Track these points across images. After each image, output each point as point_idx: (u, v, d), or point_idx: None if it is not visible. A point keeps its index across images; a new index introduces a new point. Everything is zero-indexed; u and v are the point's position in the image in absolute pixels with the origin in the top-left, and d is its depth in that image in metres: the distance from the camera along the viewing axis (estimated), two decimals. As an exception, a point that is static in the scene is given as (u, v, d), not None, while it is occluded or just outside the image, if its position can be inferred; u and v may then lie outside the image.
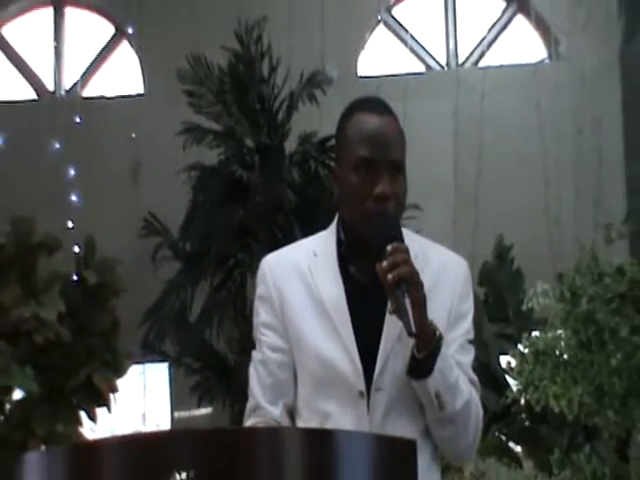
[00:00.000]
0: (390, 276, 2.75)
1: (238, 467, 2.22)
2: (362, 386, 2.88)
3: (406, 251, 2.81)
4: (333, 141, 8.42)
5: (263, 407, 2.94)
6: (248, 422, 2.96)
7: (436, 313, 2.86)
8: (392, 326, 2.85)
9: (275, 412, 2.92)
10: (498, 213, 9.73)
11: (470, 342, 3.00)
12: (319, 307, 2.93)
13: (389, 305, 2.79)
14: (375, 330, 2.90)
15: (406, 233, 3.00)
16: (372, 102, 3.04)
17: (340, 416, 2.86)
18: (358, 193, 2.92)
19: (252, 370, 2.99)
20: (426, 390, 2.82)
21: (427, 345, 2.80)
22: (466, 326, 2.99)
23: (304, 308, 2.94)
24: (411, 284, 2.76)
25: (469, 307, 3.02)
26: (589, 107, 10.42)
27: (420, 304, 2.77)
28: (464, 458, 2.96)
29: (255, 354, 2.99)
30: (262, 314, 2.98)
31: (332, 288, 2.94)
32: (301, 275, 2.97)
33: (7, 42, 11.80)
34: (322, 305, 2.93)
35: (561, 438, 6.43)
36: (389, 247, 2.78)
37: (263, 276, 3.01)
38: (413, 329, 2.72)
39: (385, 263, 2.76)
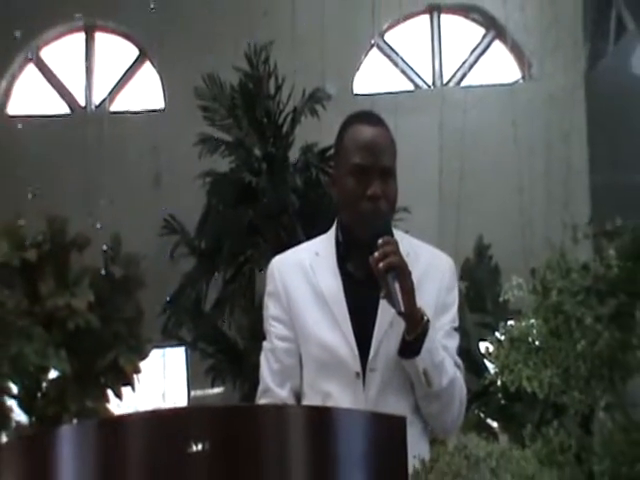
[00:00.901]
0: (381, 265, 2.77)
1: (248, 440, 2.21)
2: (358, 368, 2.88)
3: (395, 244, 2.83)
4: (332, 151, 8.42)
5: (272, 389, 2.95)
6: (259, 403, 2.97)
7: (425, 303, 2.87)
8: (384, 315, 2.86)
9: (283, 394, 2.93)
10: (478, 216, 9.72)
11: (455, 329, 3.00)
12: (320, 300, 2.94)
13: (382, 291, 2.80)
14: (369, 319, 2.90)
15: (397, 234, 3.01)
16: (366, 115, 3.06)
17: (339, 395, 2.87)
18: (353, 195, 2.93)
19: (263, 357, 3.00)
20: (415, 368, 2.82)
21: (416, 328, 2.81)
22: (451, 315, 3.00)
23: (307, 302, 2.95)
24: (400, 272, 2.78)
25: (454, 298, 3.03)
26: (558, 123, 10.44)
27: (409, 289, 2.78)
28: (449, 432, 2.97)
29: (265, 344, 3.00)
30: (271, 308, 2.99)
31: (331, 283, 2.95)
32: (304, 273, 2.98)
33: (44, 63, 11.81)
34: (323, 298, 2.94)
35: (533, 414, 6.42)
36: (380, 240, 2.81)
37: (272, 275, 3.02)
38: (402, 308, 2.75)
39: (377, 254, 2.78)
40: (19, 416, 5.75)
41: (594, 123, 10.89)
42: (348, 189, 2.94)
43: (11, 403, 5.66)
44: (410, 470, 2.35)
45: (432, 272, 2.98)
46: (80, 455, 2.24)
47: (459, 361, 2.96)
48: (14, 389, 5.66)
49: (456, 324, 3.01)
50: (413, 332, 2.81)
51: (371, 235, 2.84)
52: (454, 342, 2.97)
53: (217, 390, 9.76)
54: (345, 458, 2.25)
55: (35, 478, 2.27)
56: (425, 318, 2.82)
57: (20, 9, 10.92)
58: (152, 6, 10.74)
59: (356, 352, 2.89)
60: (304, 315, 2.95)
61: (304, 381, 2.95)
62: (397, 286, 2.76)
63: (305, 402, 2.94)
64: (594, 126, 10.87)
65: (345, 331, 2.90)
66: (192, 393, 10.60)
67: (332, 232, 3.04)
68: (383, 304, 2.84)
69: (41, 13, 11.25)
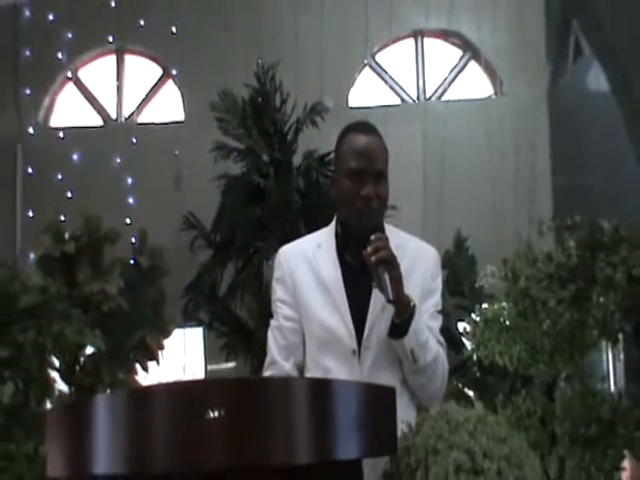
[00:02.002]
0: (373, 258, 2.76)
1: (258, 407, 2.22)
2: (354, 346, 2.87)
3: (386, 239, 2.82)
4: (331, 156, 8.42)
5: (278, 362, 2.94)
6: (266, 373, 2.96)
7: (412, 289, 2.87)
8: (377, 300, 2.85)
9: (287, 366, 2.92)
10: (456, 213, 9.72)
11: (439, 312, 3.00)
12: (322, 286, 2.93)
13: (373, 281, 2.80)
14: (364, 303, 2.89)
15: (389, 228, 3.02)
16: (361, 125, 3.03)
17: (338, 369, 2.86)
18: (349, 195, 2.91)
19: (270, 334, 2.99)
20: (403, 347, 2.82)
21: (403, 312, 2.80)
22: (436, 299, 2.99)
23: (310, 287, 2.94)
24: (389, 264, 2.77)
25: (438, 284, 3.01)
26: (525, 132, 10.44)
27: (397, 280, 2.77)
28: (433, 401, 2.95)
29: (273, 322, 2.99)
30: (278, 292, 2.98)
31: (331, 271, 2.94)
32: (308, 261, 2.97)
33: (81, 81, 11.79)
34: (324, 284, 2.93)
35: (504, 385, 6.42)
36: (372, 236, 2.80)
37: (279, 263, 3.01)
38: (390, 297, 2.75)
39: (369, 248, 2.77)
40: (61, 386, 5.74)
41: (556, 132, 10.89)
42: (345, 190, 2.93)
43: (54, 375, 5.64)
44: (399, 433, 2.36)
45: (419, 261, 2.97)
46: (113, 420, 2.25)
47: (442, 339, 2.95)
48: (56, 363, 5.64)
49: (439, 307, 3.00)
50: (401, 316, 2.80)
51: (364, 230, 2.84)
52: (437, 323, 2.97)
53: (230, 364, 9.74)
54: (343, 423, 2.25)
55: (74, 439, 2.28)
56: (412, 303, 2.82)
57: (61, 36, 10.91)
58: (174, 32, 10.73)
59: (353, 332, 2.88)
60: (307, 298, 2.94)
61: (307, 356, 2.94)
62: (387, 277, 2.75)
63: (307, 375, 2.93)
64: (556, 135, 10.88)
65: (343, 313, 2.89)
66: (209, 367, 10.59)
67: (332, 226, 3.03)
68: (376, 291, 2.84)
69: (79, 39, 11.19)
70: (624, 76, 6.77)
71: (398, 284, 2.77)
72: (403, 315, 2.80)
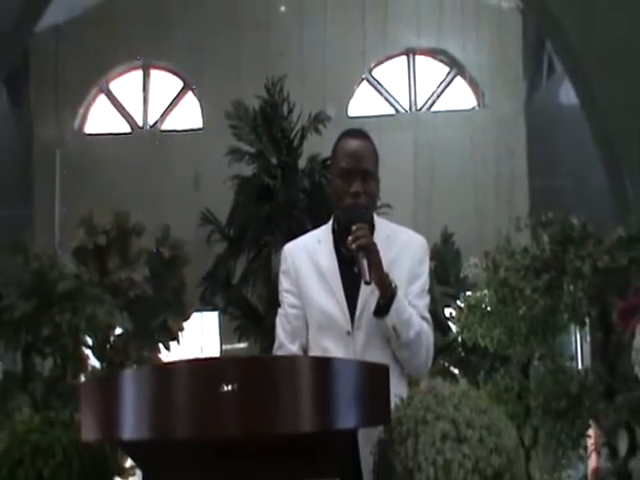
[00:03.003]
0: (354, 245, 2.75)
1: (267, 382, 2.22)
2: (349, 327, 2.86)
3: (365, 228, 2.80)
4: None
5: (285, 345, 2.93)
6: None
7: (401, 273, 2.85)
8: (367, 287, 2.84)
9: (293, 348, 2.91)
10: (444, 211, 9.70)
11: (425, 292, 2.97)
12: (320, 276, 2.92)
13: (355, 266, 2.78)
14: (357, 289, 2.88)
15: (382, 221, 3.00)
16: (353, 131, 3.01)
17: (335, 349, 2.84)
18: (340, 192, 2.90)
19: (277, 320, 2.98)
20: (386, 325, 2.80)
21: (386, 294, 2.78)
22: (422, 281, 2.94)
23: (311, 277, 2.93)
24: (368, 250, 2.75)
25: (424, 269, 2.98)
26: (504, 140, 10.43)
27: (376, 264, 2.75)
28: (420, 373, 2.93)
29: (280, 310, 2.98)
30: (284, 283, 2.97)
31: (329, 262, 2.93)
32: (309, 255, 2.96)
33: (112, 93, 11.78)
34: (322, 274, 2.92)
35: (485, 364, 6.40)
36: (354, 227, 2.77)
37: (284, 257, 3.00)
38: (367, 279, 2.72)
39: (350, 237, 2.76)
40: (93, 362, 5.74)
41: (532, 140, 10.88)
42: (337, 188, 2.93)
43: (87, 352, 5.64)
44: (392, 406, 2.35)
45: (407, 250, 2.95)
46: (139, 391, 2.26)
47: (428, 316, 2.92)
48: (89, 342, 5.64)
49: (426, 287, 2.96)
50: (383, 297, 2.79)
51: (350, 222, 2.82)
52: (423, 302, 2.93)
53: (242, 345, 9.74)
54: (342, 396, 2.25)
55: (105, 408, 2.28)
56: (393, 285, 2.80)
57: (94, 53, 10.93)
58: (193, 50, 10.73)
59: (347, 315, 2.87)
60: (309, 288, 2.92)
61: (309, 339, 2.94)
62: (365, 262, 2.74)
63: (310, 354, 2.91)
64: (532, 143, 10.87)
65: (339, 299, 2.88)
66: (223, 347, 10.58)
67: (330, 223, 3.03)
68: None
69: (110, 55, 11.22)
70: (591, 92, 6.77)
71: (377, 268, 2.76)
72: (385, 296, 2.78)
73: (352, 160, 2.90)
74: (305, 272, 2.94)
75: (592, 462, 5.22)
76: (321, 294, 2.90)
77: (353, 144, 2.93)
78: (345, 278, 2.90)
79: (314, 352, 2.88)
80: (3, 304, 4.93)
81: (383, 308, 2.79)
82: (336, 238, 2.96)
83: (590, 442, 4.72)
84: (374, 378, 2.29)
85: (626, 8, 6.40)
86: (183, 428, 2.21)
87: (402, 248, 2.93)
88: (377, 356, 2.73)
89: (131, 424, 2.24)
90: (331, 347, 2.85)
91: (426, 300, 2.95)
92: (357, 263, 2.75)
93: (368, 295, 2.85)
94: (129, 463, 4.47)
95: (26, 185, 10.96)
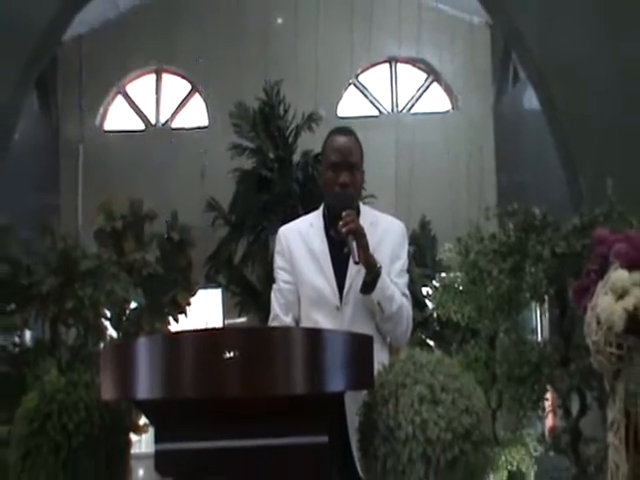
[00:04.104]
0: (344, 229, 2.74)
1: (264, 350, 2.22)
2: (337, 302, 2.84)
3: (353, 214, 2.79)
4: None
5: (280, 316, 2.91)
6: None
7: (383, 254, 2.84)
8: (354, 265, 2.83)
9: (287, 320, 2.90)
10: (422, 202, 9.65)
11: (404, 271, 2.96)
12: (312, 256, 2.90)
13: (345, 248, 2.77)
14: (345, 269, 2.86)
15: (366, 208, 2.99)
16: (340, 129, 3.00)
17: (325, 322, 2.83)
18: (330, 182, 2.89)
19: (273, 295, 2.96)
20: (371, 300, 2.79)
21: (371, 272, 2.77)
22: (401, 262, 2.93)
23: (303, 257, 2.91)
24: (357, 234, 2.74)
25: (404, 250, 2.96)
26: (475, 139, 10.43)
27: (363, 246, 2.74)
28: (400, 342, 2.92)
29: (275, 286, 2.96)
30: (279, 262, 2.95)
31: (320, 244, 2.91)
32: (302, 238, 2.94)
33: (128, 94, 11.72)
34: (314, 255, 2.90)
35: (457, 336, 6.41)
36: (344, 213, 2.76)
37: (279, 238, 2.98)
38: (357, 259, 2.71)
39: (340, 222, 2.75)
40: (111, 332, 5.73)
41: (499, 140, 10.88)
42: (327, 178, 2.92)
43: (106, 323, 5.63)
44: (375, 372, 2.35)
45: (389, 233, 2.94)
46: (151, 356, 2.25)
47: (407, 292, 2.91)
48: (108, 314, 5.63)
49: (405, 267, 2.95)
50: (369, 275, 2.78)
51: (339, 209, 2.81)
52: (403, 280, 2.92)
53: (242, 319, 9.72)
54: (330, 362, 2.24)
55: (122, 371, 2.27)
56: (378, 265, 2.79)
57: (112, 59, 10.87)
58: (200, 56, 10.68)
59: (336, 292, 2.85)
60: (301, 266, 2.90)
61: (301, 313, 2.92)
62: (354, 244, 2.73)
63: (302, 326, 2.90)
64: (499, 142, 10.87)
65: (328, 277, 2.87)
66: (225, 321, 10.56)
67: (321, 209, 3.01)
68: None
69: (126, 61, 11.16)
70: (550, 98, 6.75)
71: (364, 249, 2.75)
72: (371, 274, 2.77)
73: (340, 154, 2.89)
74: (298, 253, 2.91)
75: (549, 421, 5.25)
76: (313, 273, 2.88)
77: (341, 140, 2.92)
78: (334, 259, 2.88)
79: (306, 324, 2.86)
80: (33, 280, 4.90)
81: (369, 285, 2.78)
82: (326, 223, 2.94)
83: (547, 404, 4.73)
84: (359, 347, 2.29)
85: (582, 25, 6.40)
86: (190, 389, 2.21)
87: (384, 232, 2.92)
88: (363, 329, 2.71)
89: (145, 385, 2.23)
90: (321, 320, 2.83)
91: (405, 278, 2.94)
92: (347, 245, 2.74)
93: (355, 274, 2.84)
94: (142, 421, 4.48)
95: (53, 176, 10.93)
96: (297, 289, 2.90)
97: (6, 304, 4.83)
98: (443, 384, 2.30)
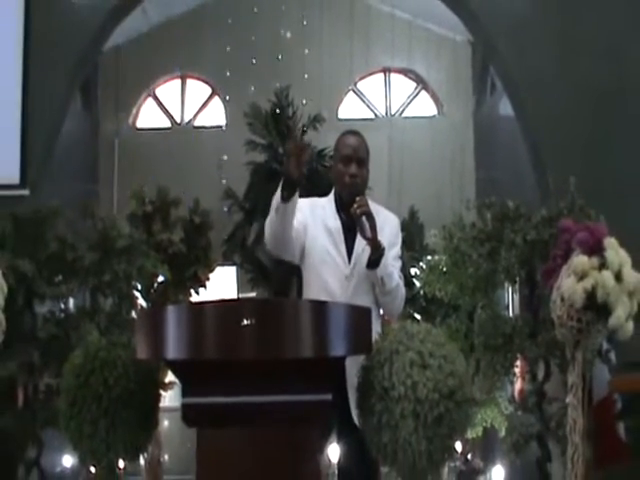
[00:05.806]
0: (358, 211, 2.74)
1: (276, 318, 2.21)
2: (348, 272, 2.84)
3: (365, 200, 2.79)
4: (326, 151, 8.28)
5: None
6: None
7: (384, 240, 2.83)
8: (359, 244, 2.82)
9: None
10: (411, 194, 9.60)
11: (398, 257, 2.96)
12: (327, 231, 2.89)
13: (358, 228, 2.77)
14: (352, 247, 2.87)
15: (369, 201, 2.98)
16: (351, 131, 3.02)
17: (335, 285, 2.81)
18: (341, 174, 2.90)
19: None
20: (376, 275, 2.78)
21: (376, 251, 2.77)
22: (396, 249, 2.94)
23: (319, 229, 2.89)
24: (368, 215, 2.75)
25: (399, 240, 2.97)
26: (457, 141, 10.42)
27: (374, 227, 2.75)
28: (393, 314, 2.93)
29: None
30: (298, 215, 2.84)
31: (334, 222, 2.90)
32: (318, 213, 2.92)
33: (157, 97, 11.66)
34: (329, 230, 2.89)
35: (441, 311, 6.42)
36: (357, 198, 2.77)
37: (301, 206, 2.86)
38: (369, 235, 2.73)
39: (355, 205, 2.75)
40: (141, 302, 5.73)
41: (478, 142, 10.85)
42: (339, 171, 2.92)
43: (137, 294, 5.63)
44: (372, 339, 2.34)
45: (387, 224, 2.94)
46: (178, 322, 2.24)
47: (401, 275, 2.93)
48: (139, 286, 5.63)
49: (399, 254, 2.97)
50: (375, 253, 2.77)
51: (351, 196, 2.81)
52: (398, 264, 2.93)
53: (254, 293, 9.71)
54: (334, 330, 2.23)
55: (153, 334, 2.27)
56: (382, 245, 2.79)
57: (144, 66, 10.90)
58: (220, 63, 10.63)
59: (347, 262, 2.86)
60: (316, 235, 2.88)
61: (309, 271, 2.87)
62: (366, 224, 2.74)
63: (312, 285, 2.87)
64: (478, 143, 10.84)
65: (341, 250, 2.87)
66: (239, 294, 10.56)
67: (332, 195, 2.99)
68: (359, 237, 2.82)
69: (156, 68, 11.17)
70: (522, 106, 6.72)
71: (374, 229, 2.75)
72: (376, 252, 2.77)
73: (351, 149, 2.90)
74: (314, 223, 2.89)
75: (518, 385, 5.25)
76: (327, 243, 2.86)
77: (352, 138, 2.94)
78: (345, 236, 2.88)
79: (315, 282, 2.85)
80: (76, 255, 4.91)
81: (374, 262, 2.77)
82: (337, 206, 2.94)
83: (517, 370, 4.74)
84: (360, 318, 2.28)
85: (549, 43, 6.38)
86: (212, 351, 2.20)
87: (384, 222, 2.92)
88: (363, 300, 2.72)
89: (173, 347, 2.22)
90: (331, 281, 2.82)
91: (400, 263, 2.96)
92: (360, 224, 2.74)
93: (360, 253, 2.84)
94: (168, 379, 4.49)
95: (93, 167, 10.97)
96: (304, 240, 2.86)
97: (54, 276, 4.85)
98: (431, 351, 2.30)
